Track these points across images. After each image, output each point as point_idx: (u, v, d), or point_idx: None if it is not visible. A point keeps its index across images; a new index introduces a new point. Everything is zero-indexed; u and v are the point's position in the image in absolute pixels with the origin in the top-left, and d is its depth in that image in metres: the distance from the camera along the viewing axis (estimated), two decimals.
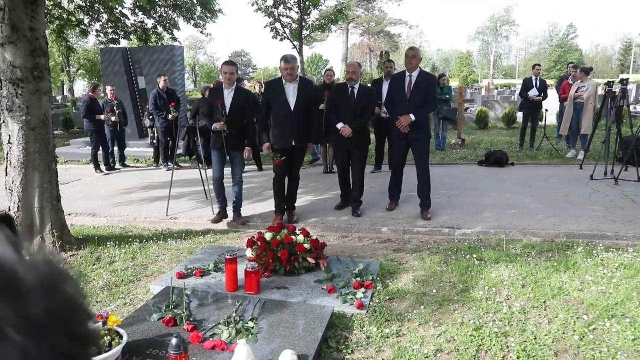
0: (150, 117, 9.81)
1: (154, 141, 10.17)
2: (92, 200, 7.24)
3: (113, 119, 9.49)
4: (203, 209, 6.37)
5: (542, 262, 4.15)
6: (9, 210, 4.66)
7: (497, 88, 34.11)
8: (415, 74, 5.36)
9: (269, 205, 6.12)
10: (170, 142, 9.63)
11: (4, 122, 4.55)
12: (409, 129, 5.36)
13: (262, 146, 5.78)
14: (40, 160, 4.62)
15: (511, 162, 9.02)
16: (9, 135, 4.52)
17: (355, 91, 5.73)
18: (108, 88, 9.98)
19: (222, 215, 5.77)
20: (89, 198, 7.38)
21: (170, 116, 8.74)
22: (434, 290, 3.67)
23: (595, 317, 3.15)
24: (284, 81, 5.37)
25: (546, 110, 10.36)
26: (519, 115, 14.79)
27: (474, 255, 4.36)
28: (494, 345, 2.88)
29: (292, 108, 5.35)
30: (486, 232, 5.16)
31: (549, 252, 4.47)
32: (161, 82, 9.44)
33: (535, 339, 2.93)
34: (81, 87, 54.74)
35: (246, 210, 6.18)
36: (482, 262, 4.23)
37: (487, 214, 5.76)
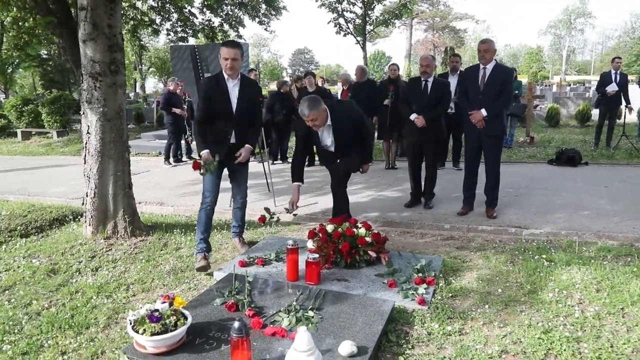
0: None
1: None
2: (160, 190, 7.57)
3: (179, 111, 9.90)
4: (265, 201, 6.48)
5: (620, 267, 3.87)
6: (87, 195, 4.96)
7: (569, 85, 32.32)
8: (490, 66, 5.11)
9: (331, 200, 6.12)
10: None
11: (84, 113, 4.84)
12: (483, 124, 5.13)
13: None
14: (115, 150, 4.88)
15: (585, 162, 8.52)
16: (88, 126, 4.80)
17: (429, 85, 5.66)
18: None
19: (207, 261, 4.11)
20: (157, 188, 7.72)
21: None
22: (500, 290, 3.53)
23: None
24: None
25: (627, 106, 9.67)
26: (595, 112, 13.95)
27: (543, 256, 4.15)
28: (565, 350, 2.71)
29: (333, 150, 4.63)
30: (556, 233, 4.90)
31: (628, 256, 4.16)
32: (252, 75, 9.74)
33: (611, 347, 2.74)
34: (152, 85, 57.48)
35: (308, 204, 6.22)
36: (552, 263, 4.01)
37: (557, 215, 5.47)
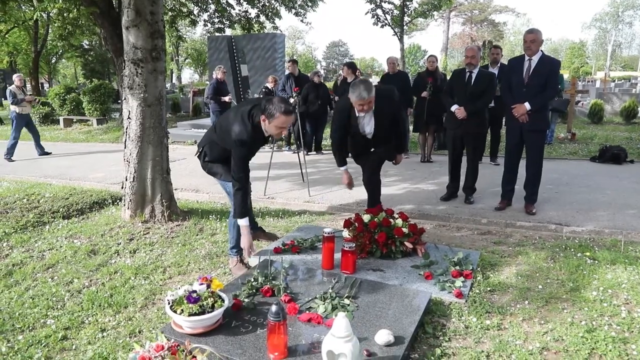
0: None
1: None
2: (196, 178, 7.67)
3: (227, 99, 10.01)
4: (299, 190, 6.49)
5: None
6: (126, 180, 5.07)
7: (613, 81, 31.07)
8: (535, 58, 4.92)
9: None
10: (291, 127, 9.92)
11: (125, 99, 4.94)
12: (526, 118, 4.97)
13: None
14: (155, 135, 4.96)
15: (630, 160, 8.17)
16: (129, 111, 4.90)
17: (474, 76, 5.50)
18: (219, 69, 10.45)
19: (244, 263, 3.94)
20: (193, 176, 7.83)
21: (292, 100, 8.92)
22: (540, 287, 3.42)
23: None
24: (356, 112, 4.32)
25: None
26: None
27: (586, 254, 4.01)
28: (611, 350, 2.61)
29: (369, 137, 4.51)
30: (599, 231, 4.72)
31: None
32: (291, 66, 9.85)
33: None
34: (188, 75, 58.52)
35: (341, 195, 6.20)
36: (596, 261, 3.87)
37: (600, 213, 5.27)
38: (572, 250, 4.17)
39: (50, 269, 3.98)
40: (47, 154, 10.43)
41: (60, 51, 30.57)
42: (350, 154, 4.77)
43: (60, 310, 3.24)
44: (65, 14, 14.49)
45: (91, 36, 23.84)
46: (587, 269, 3.70)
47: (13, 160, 9.75)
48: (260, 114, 3.38)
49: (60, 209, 5.64)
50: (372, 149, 4.63)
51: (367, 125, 4.40)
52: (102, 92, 16.27)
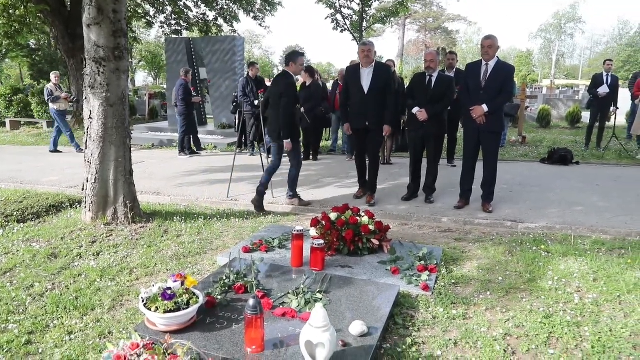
0: (234, 103, 10.08)
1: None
2: (156, 181, 7.55)
3: (198, 100, 9.95)
4: None
5: (614, 259, 3.98)
6: (87, 181, 4.94)
7: (558, 88, 32.69)
8: (492, 63, 5.16)
9: (327, 192, 6.18)
10: (254, 128, 9.85)
11: (86, 98, 4.82)
12: (484, 120, 5.22)
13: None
14: (117, 135, 4.86)
15: (576, 161, 8.66)
16: (90, 111, 4.78)
17: (433, 80, 5.69)
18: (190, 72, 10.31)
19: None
20: (153, 179, 7.70)
21: (257, 102, 8.91)
22: (500, 278, 3.61)
23: None
24: (360, 66, 5.63)
25: (617, 108, 9.84)
26: (585, 115, 14.19)
27: (541, 248, 4.25)
28: (566, 333, 2.79)
29: (365, 92, 5.58)
30: (551, 227, 5.00)
31: (621, 249, 4.28)
32: (251, 70, 9.82)
33: (610, 331, 2.83)
34: (142, 78, 57.10)
35: (304, 196, 6.26)
36: (549, 254, 4.11)
37: (551, 210, 5.57)
38: (528, 244, 4.40)
39: (8, 274, 3.83)
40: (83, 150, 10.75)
41: (4, 50, 29.13)
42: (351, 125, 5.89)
43: (22, 315, 3.13)
44: (11, 11, 13.86)
45: (39, 35, 22.92)
46: (542, 261, 3.92)
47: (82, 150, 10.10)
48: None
49: (14, 213, 5.41)
50: (365, 113, 5.64)
51: (365, 79, 5.59)
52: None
